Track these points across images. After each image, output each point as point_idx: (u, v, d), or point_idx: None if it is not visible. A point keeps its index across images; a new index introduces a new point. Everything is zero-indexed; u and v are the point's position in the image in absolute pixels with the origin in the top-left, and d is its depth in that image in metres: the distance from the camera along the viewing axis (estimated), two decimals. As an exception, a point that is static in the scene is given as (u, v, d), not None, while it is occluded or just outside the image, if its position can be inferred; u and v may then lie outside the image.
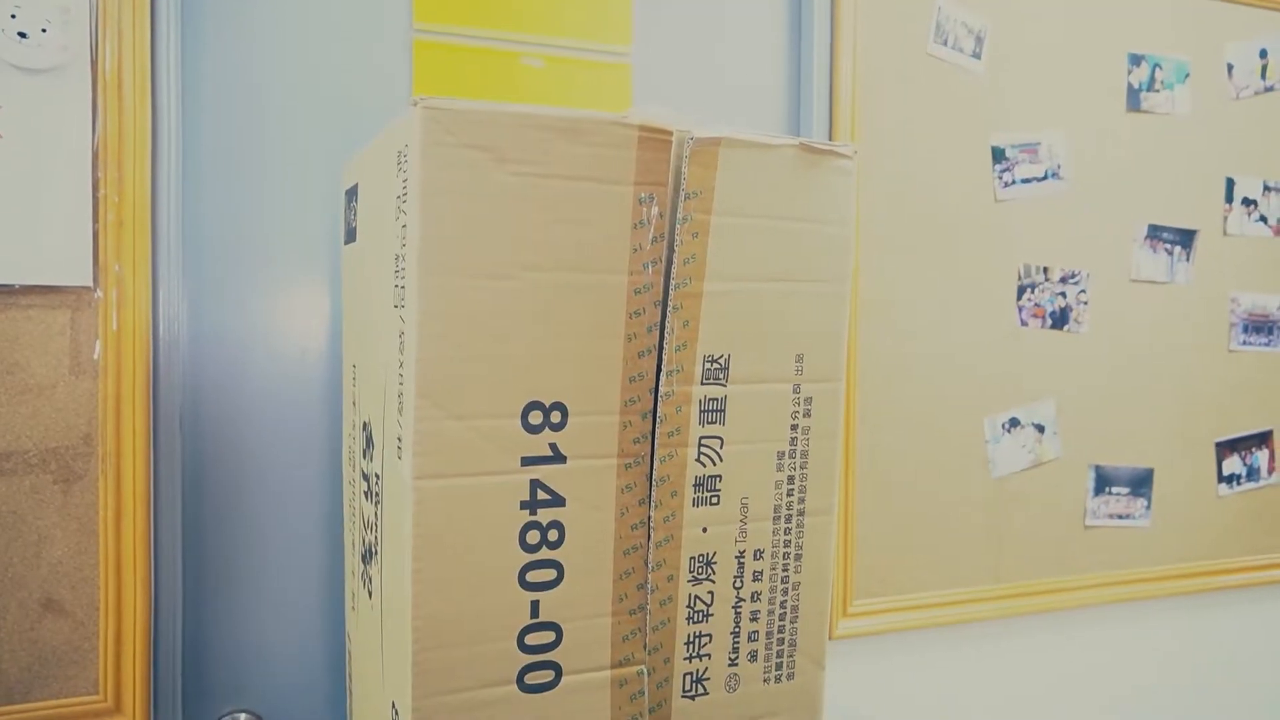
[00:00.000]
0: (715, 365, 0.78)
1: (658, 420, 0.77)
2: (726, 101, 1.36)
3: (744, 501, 0.82)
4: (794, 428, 0.83)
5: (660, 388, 0.77)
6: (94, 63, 1.01)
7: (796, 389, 0.83)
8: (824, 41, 1.37)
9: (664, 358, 0.77)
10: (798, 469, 0.84)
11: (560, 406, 0.73)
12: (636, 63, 1.29)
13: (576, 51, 1.25)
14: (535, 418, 0.72)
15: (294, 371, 1.15)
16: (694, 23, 1.33)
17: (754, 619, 0.84)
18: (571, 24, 1.24)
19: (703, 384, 0.78)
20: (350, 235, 0.98)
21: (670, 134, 0.72)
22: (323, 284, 1.16)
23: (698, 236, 0.76)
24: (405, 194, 0.68)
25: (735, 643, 0.84)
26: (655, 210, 0.74)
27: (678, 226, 0.75)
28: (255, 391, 1.14)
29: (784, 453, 0.83)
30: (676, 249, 0.76)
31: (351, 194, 0.97)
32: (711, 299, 0.77)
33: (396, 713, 0.76)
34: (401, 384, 0.71)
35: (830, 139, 1.36)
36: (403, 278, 0.70)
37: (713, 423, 0.79)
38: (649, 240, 0.74)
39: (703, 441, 0.79)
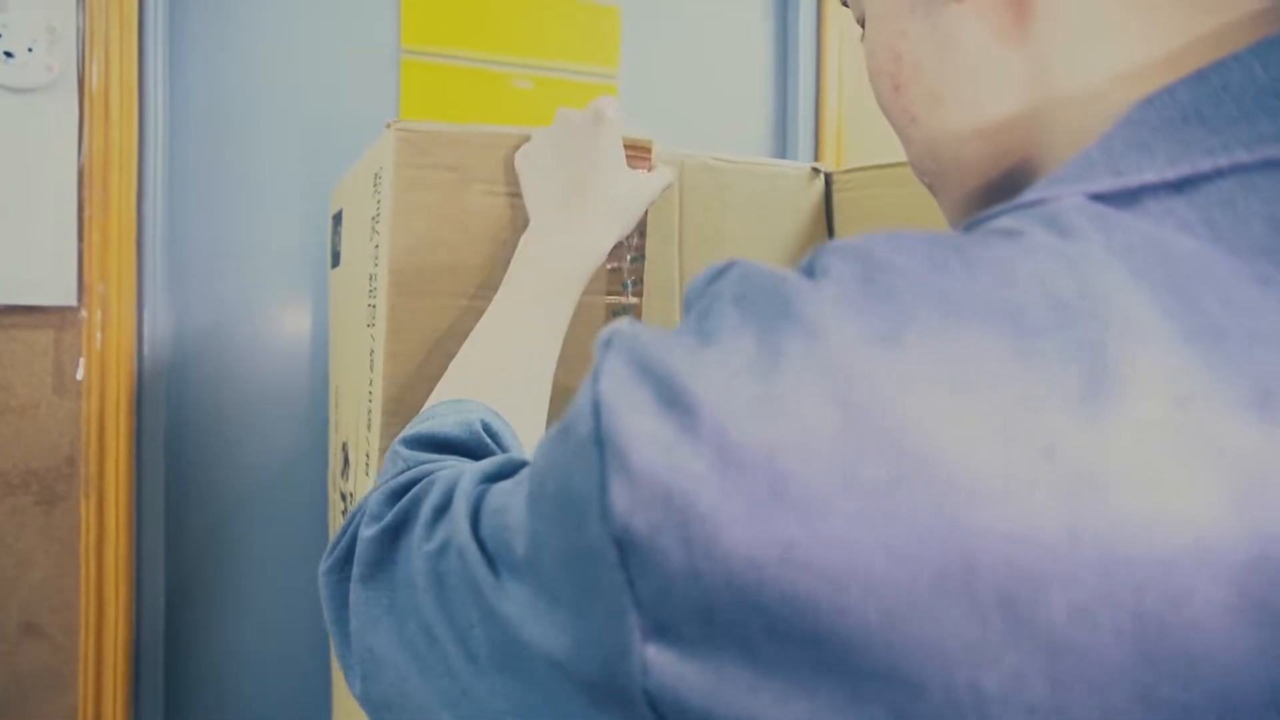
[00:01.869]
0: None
1: None
2: (713, 122, 1.35)
3: None
4: None
5: None
6: (81, 82, 1.01)
7: None
8: (809, 64, 1.37)
9: None
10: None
11: None
12: (624, 85, 1.29)
13: (565, 73, 1.25)
14: None
15: (280, 393, 1.15)
16: (681, 47, 1.33)
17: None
18: (560, 46, 1.24)
19: None
20: (335, 259, 0.98)
21: (649, 148, 0.71)
22: (310, 306, 1.15)
23: None
24: (379, 215, 0.68)
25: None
26: (637, 230, 0.73)
27: None
28: (240, 412, 1.13)
29: None
30: None
31: (337, 219, 0.97)
32: None
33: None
34: (370, 401, 0.70)
35: (816, 158, 1.35)
36: (374, 297, 0.69)
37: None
38: (627, 259, 0.73)
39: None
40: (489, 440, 0.50)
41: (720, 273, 0.29)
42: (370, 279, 0.71)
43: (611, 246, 0.65)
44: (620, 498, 0.25)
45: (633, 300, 0.74)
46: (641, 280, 0.74)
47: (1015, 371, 0.23)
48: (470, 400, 0.54)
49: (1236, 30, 0.30)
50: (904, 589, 0.22)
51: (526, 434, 0.56)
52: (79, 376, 1.02)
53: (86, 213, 1.01)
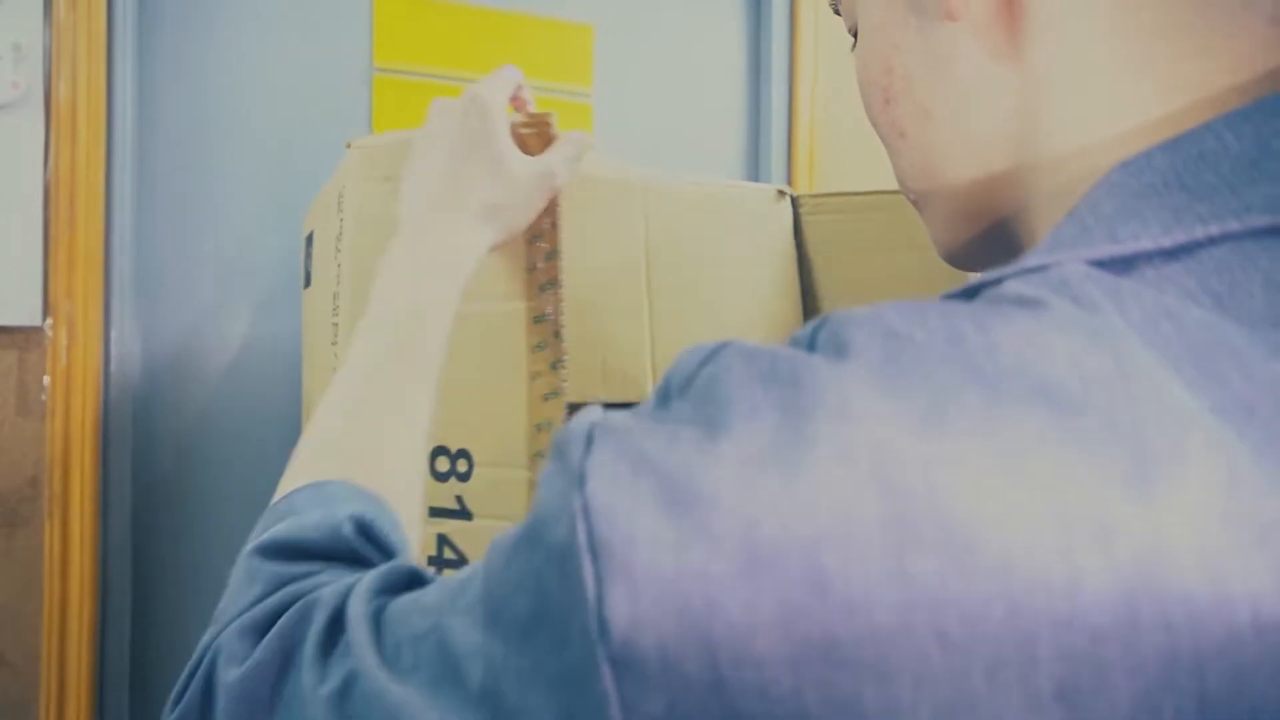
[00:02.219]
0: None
1: None
2: (687, 141, 1.35)
3: None
4: None
5: None
6: (47, 99, 0.99)
7: None
8: (782, 85, 1.38)
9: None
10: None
11: (465, 454, 0.67)
12: (598, 103, 1.29)
13: (538, 91, 1.24)
14: (442, 464, 0.67)
15: (250, 414, 1.13)
16: (655, 65, 1.33)
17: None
18: (534, 64, 1.24)
19: None
20: (308, 280, 0.97)
21: (546, 121, 0.65)
22: (282, 326, 1.14)
23: None
24: (341, 234, 0.67)
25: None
26: (548, 221, 0.66)
27: None
28: (209, 434, 1.12)
29: None
30: None
31: (309, 240, 0.96)
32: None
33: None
34: None
35: (789, 183, 1.36)
36: (338, 315, 0.69)
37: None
38: (541, 257, 0.67)
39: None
40: (359, 546, 0.43)
41: (712, 354, 0.27)
42: (335, 297, 0.70)
43: (492, 245, 0.59)
44: (620, 610, 0.22)
45: (550, 306, 0.67)
46: (559, 282, 0.68)
47: (1062, 453, 0.22)
48: (335, 482, 0.47)
49: (1239, 92, 0.30)
50: (958, 681, 0.21)
51: (402, 499, 0.50)
52: (44, 397, 1.00)
53: (52, 231, 1.00)
